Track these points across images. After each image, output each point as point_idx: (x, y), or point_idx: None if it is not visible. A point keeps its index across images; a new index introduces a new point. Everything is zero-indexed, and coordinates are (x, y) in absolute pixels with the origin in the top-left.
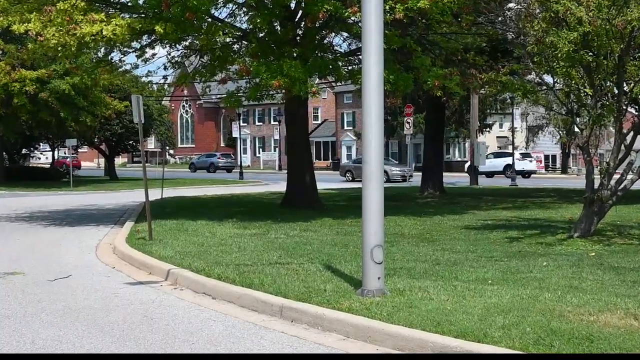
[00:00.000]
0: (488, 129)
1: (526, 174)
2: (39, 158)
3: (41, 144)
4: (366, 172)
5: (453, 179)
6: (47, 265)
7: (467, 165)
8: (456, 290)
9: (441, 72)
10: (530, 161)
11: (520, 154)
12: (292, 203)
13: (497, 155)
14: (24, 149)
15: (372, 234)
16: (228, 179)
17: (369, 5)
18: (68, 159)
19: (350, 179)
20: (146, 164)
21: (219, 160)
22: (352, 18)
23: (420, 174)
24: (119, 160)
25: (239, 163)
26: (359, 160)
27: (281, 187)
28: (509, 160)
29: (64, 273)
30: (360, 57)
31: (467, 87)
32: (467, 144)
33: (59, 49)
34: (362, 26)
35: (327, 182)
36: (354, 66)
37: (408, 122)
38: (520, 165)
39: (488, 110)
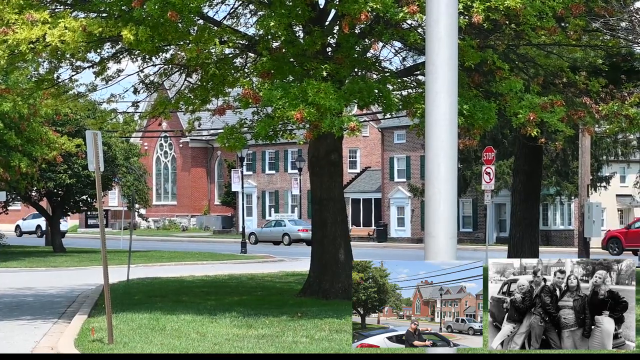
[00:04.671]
0: (604, 184)
1: None
2: None
3: None
4: (431, 248)
5: (553, 255)
6: None
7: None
8: None
9: (538, 101)
10: None
11: None
12: (318, 290)
13: None
14: None
15: None
16: (224, 252)
17: (436, 1)
18: None
19: (254, 242)
20: (106, 229)
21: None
22: (409, 21)
23: (506, 247)
24: (67, 224)
25: (240, 229)
26: (274, 222)
27: (302, 265)
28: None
29: None
30: (420, 77)
31: (576, 123)
32: (573, 206)
33: None
34: (426, 32)
35: (369, 258)
36: (410, 90)
37: (488, 173)
38: None
39: (604, 157)
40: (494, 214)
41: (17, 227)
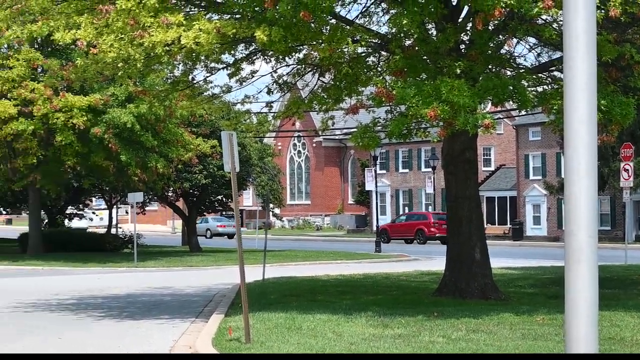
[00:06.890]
0: None
1: None
2: (91, 219)
3: (94, 199)
4: (571, 246)
5: None
6: None
7: None
8: None
9: None
10: None
11: None
12: (453, 289)
13: None
14: (69, 207)
15: (580, 340)
16: (358, 251)
17: None
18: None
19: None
20: (241, 229)
21: None
22: (544, 16)
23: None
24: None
25: (374, 227)
26: (201, 220)
27: (437, 264)
28: None
29: None
30: (555, 73)
31: None
32: None
33: (120, 65)
34: (563, 28)
35: (504, 256)
36: (545, 87)
37: (626, 170)
38: None
39: None
40: (632, 212)
41: None
